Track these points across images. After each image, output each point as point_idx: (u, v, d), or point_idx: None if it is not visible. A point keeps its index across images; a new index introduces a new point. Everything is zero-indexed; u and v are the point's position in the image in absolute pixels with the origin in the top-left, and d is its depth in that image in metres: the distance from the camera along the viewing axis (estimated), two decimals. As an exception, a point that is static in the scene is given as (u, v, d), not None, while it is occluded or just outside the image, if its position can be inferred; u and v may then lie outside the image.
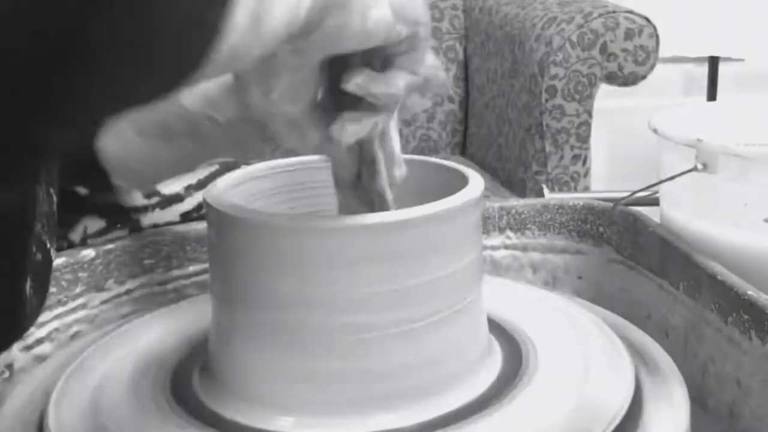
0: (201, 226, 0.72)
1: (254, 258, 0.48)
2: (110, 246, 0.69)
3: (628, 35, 1.32)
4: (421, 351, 0.48)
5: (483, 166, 1.55)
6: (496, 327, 0.58)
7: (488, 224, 0.78)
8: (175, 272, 0.72)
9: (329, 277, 0.46)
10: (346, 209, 0.52)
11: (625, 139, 2.02)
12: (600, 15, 1.33)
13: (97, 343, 0.59)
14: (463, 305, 0.51)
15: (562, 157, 1.35)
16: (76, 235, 0.73)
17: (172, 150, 0.62)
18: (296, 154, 0.53)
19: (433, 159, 0.59)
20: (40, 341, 0.64)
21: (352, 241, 0.46)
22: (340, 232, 0.46)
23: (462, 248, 0.50)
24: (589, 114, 1.35)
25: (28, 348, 0.63)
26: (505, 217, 0.79)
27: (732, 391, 0.58)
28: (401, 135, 1.76)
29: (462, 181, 0.53)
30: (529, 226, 0.79)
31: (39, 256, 0.49)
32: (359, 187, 0.51)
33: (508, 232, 0.79)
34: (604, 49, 1.32)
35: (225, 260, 0.50)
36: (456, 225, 0.49)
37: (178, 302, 0.67)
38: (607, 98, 1.64)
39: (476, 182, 0.52)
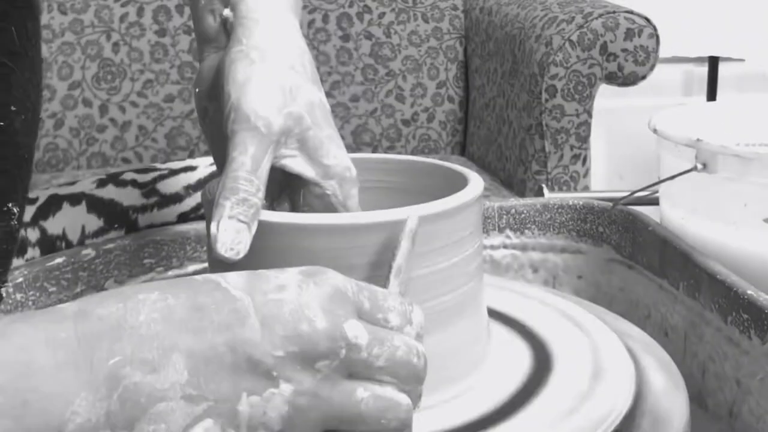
0: (201, 225, 0.72)
1: (253, 257, 0.48)
2: (110, 245, 0.69)
3: (628, 35, 1.32)
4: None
5: (483, 166, 1.55)
6: (496, 326, 0.58)
7: (488, 224, 0.78)
8: (175, 272, 0.72)
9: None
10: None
11: (625, 139, 2.01)
12: (600, 15, 1.33)
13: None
14: (463, 303, 0.51)
15: (561, 157, 1.35)
16: (73, 237, 0.73)
17: None
18: None
19: (432, 160, 0.59)
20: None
21: (351, 240, 0.46)
22: (341, 230, 0.46)
23: (462, 247, 0.50)
24: (589, 114, 1.35)
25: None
26: (504, 216, 0.79)
27: (731, 391, 0.58)
28: (401, 135, 1.74)
29: (462, 182, 0.53)
30: (528, 225, 0.79)
31: None
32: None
33: (508, 232, 0.79)
34: (604, 49, 1.32)
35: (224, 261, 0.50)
36: (456, 224, 0.49)
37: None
38: (607, 98, 1.64)
39: (476, 182, 0.52)
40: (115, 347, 0.34)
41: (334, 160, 0.50)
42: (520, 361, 0.54)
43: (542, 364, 0.53)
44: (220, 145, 0.51)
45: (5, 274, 0.51)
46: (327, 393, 0.37)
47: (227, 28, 0.52)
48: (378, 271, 0.46)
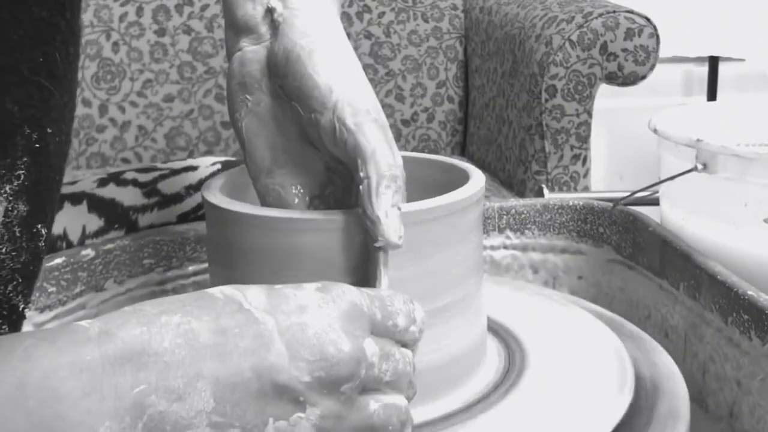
0: (201, 226, 0.72)
1: (252, 254, 0.48)
2: (110, 246, 0.69)
3: (628, 35, 1.32)
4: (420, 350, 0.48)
5: (483, 166, 1.55)
6: (495, 326, 0.58)
7: (488, 224, 0.78)
8: (175, 272, 0.72)
9: (329, 273, 0.46)
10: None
11: (625, 139, 2.01)
12: (600, 15, 1.33)
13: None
14: (463, 301, 0.51)
15: (562, 157, 1.35)
16: (73, 237, 0.73)
17: None
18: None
19: (433, 156, 0.59)
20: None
21: (350, 236, 0.46)
22: (338, 227, 0.46)
23: (463, 243, 0.50)
24: (589, 114, 1.35)
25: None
26: (505, 217, 0.79)
27: (732, 391, 0.58)
28: (401, 135, 1.75)
29: (463, 177, 0.53)
30: (529, 226, 0.79)
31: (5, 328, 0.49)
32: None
33: (508, 232, 0.79)
34: (604, 49, 1.32)
35: (224, 257, 0.50)
36: (458, 220, 0.49)
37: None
38: (607, 98, 1.64)
39: (477, 177, 0.52)
40: (140, 375, 0.34)
41: (400, 158, 0.50)
42: (513, 362, 0.54)
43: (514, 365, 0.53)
44: (265, 140, 0.51)
45: (30, 295, 0.51)
46: (348, 412, 0.38)
47: (274, 18, 0.51)
48: (361, 265, 0.46)
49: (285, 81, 0.50)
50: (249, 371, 0.36)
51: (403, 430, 0.40)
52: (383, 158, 0.45)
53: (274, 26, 0.51)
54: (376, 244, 0.45)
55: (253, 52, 0.52)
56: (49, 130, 0.49)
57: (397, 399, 0.40)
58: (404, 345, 0.42)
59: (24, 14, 0.47)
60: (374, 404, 0.39)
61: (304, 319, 0.38)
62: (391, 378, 0.40)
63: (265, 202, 0.52)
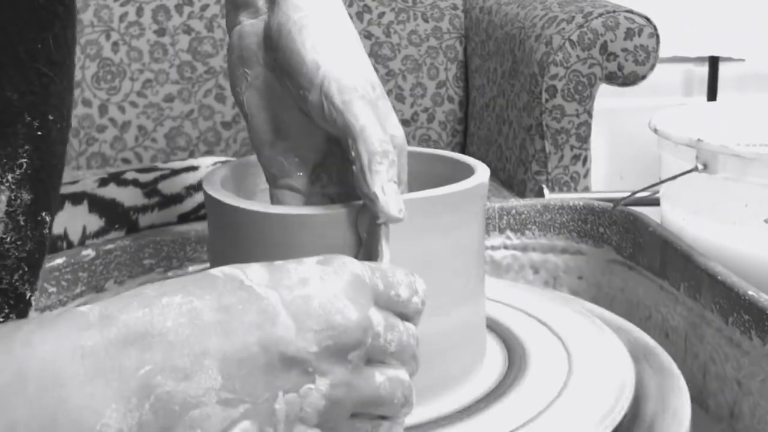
0: (201, 226, 0.72)
1: (254, 249, 0.48)
2: (110, 246, 0.69)
3: (629, 35, 1.32)
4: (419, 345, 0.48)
5: (483, 166, 1.55)
6: (495, 326, 0.58)
7: (488, 224, 0.78)
8: (175, 272, 0.72)
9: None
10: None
11: (625, 139, 2.01)
12: (600, 14, 1.33)
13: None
14: (465, 289, 0.51)
15: (562, 157, 1.35)
16: (74, 237, 0.73)
17: None
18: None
19: (438, 151, 0.59)
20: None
21: (349, 230, 0.46)
22: (336, 220, 0.46)
23: (466, 232, 0.50)
24: (589, 114, 1.35)
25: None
26: (505, 217, 0.79)
27: (732, 392, 0.58)
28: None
29: (467, 171, 0.53)
30: (529, 226, 0.79)
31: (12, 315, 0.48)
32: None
33: (509, 233, 0.79)
34: (604, 48, 1.32)
35: (224, 252, 0.50)
36: (464, 209, 0.49)
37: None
38: (607, 98, 1.64)
39: (482, 170, 0.53)
40: (145, 356, 0.34)
41: (397, 130, 0.50)
42: (513, 362, 0.54)
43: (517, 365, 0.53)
44: (266, 113, 0.51)
45: (36, 283, 0.51)
46: (356, 381, 0.38)
47: None
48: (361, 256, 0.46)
49: (277, 55, 0.50)
50: (255, 345, 0.36)
51: (407, 404, 0.40)
52: (372, 135, 0.45)
53: (272, 0, 0.51)
54: (378, 221, 0.44)
55: (251, 25, 0.52)
56: (50, 117, 0.49)
57: (401, 373, 0.40)
58: (407, 319, 0.42)
59: (23, 1, 0.47)
60: (380, 376, 0.39)
61: (308, 291, 0.38)
62: (396, 349, 0.40)
63: (268, 173, 0.53)
